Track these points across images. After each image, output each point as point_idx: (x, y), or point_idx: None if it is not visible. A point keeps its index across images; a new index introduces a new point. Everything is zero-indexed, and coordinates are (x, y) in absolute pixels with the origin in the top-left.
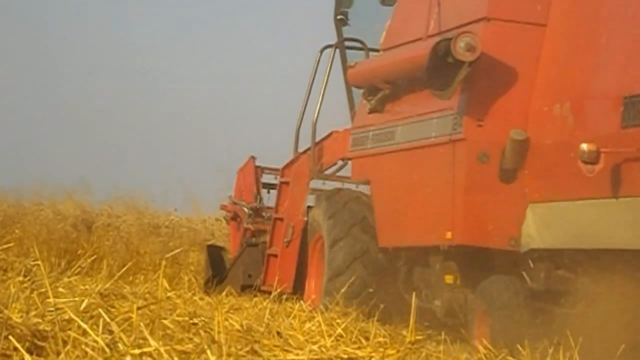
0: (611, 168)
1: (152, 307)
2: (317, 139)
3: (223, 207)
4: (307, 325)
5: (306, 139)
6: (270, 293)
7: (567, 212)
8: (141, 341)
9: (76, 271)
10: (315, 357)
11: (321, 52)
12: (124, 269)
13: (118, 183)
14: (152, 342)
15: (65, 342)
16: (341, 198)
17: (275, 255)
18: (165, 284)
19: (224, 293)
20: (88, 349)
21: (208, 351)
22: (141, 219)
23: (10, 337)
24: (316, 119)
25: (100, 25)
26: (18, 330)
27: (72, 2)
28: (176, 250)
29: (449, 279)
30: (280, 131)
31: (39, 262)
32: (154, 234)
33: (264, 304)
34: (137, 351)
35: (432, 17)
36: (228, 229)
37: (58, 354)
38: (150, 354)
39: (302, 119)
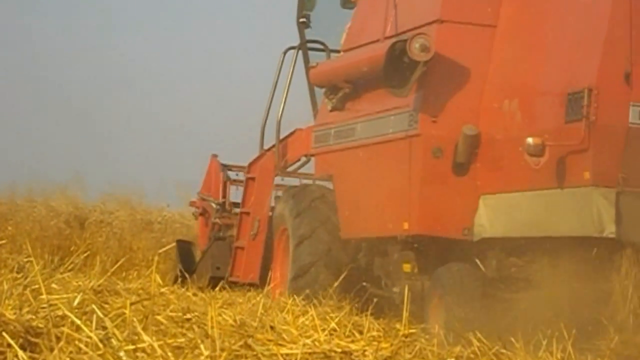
0: (556, 160)
1: (145, 302)
2: (282, 136)
3: (192, 204)
4: (301, 319)
5: (271, 137)
6: (236, 283)
7: (516, 203)
8: (135, 337)
9: (69, 267)
10: (309, 351)
11: (284, 53)
12: (117, 265)
13: (111, 179)
14: (146, 338)
15: (58, 338)
16: (301, 184)
17: (242, 248)
18: (159, 280)
19: (217, 288)
20: (81, 345)
21: (202, 346)
22: (134, 215)
23: (4, 334)
24: (280, 117)
25: (91, 22)
26: (11, 327)
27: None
28: (169, 246)
29: (406, 267)
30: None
31: (32, 258)
32: (146, 230)
33: (258, 298)
34: (130, 347)
35: (389, 19)
36: (196, 224)
37: (52, 350)
38: (143, 350)
39: (267, 117)
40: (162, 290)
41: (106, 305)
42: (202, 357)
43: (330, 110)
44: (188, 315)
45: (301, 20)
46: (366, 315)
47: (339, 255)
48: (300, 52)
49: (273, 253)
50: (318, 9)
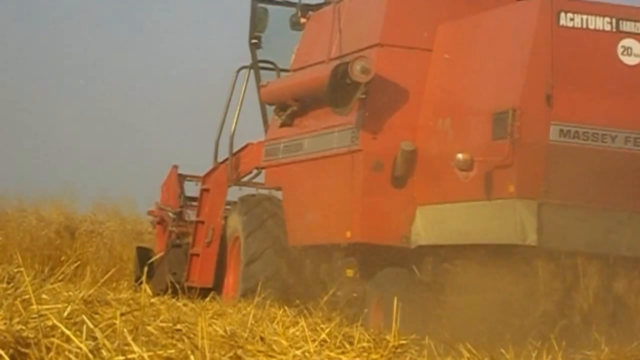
0: (483, 174)
1: (135, 313)
2: (234, 150)
3: (150, 213)
4: (291, 330)
5: (225, 150)
6: (194, 288)
7: (448, 213)
8: (125, 347)
9: (59, 278)
10: None
11: (238, 72)
12: (108, 275)
13: (102, 190)
14: (136, 348)
15: (48, 349)
16: (255, 198)
17: (198, 255)
18: (149, 290)
19: (207, 299)
20: (71, 356)
21: (192, 357)
22: (124, 225)
23: None
24: (233, 132)
25: (91, 25)
26: (1, 337)
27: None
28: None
29: (349, 272)
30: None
31: (22, 268)
32: (137, 240)
33: (248, 309)
34: (120, 357)
35: (334, 42)
36: (154, 232)
37: None
38: None
39: (220, 131)
40: (152, 300)
41: (96, 316)
42: None
43: (280, 126)
44: (178, 326)
45: (253, 41)
46: (356, 327)
47: (286, 275)
48: (252, 71)
49: (226, 259)
50: (269, 30)
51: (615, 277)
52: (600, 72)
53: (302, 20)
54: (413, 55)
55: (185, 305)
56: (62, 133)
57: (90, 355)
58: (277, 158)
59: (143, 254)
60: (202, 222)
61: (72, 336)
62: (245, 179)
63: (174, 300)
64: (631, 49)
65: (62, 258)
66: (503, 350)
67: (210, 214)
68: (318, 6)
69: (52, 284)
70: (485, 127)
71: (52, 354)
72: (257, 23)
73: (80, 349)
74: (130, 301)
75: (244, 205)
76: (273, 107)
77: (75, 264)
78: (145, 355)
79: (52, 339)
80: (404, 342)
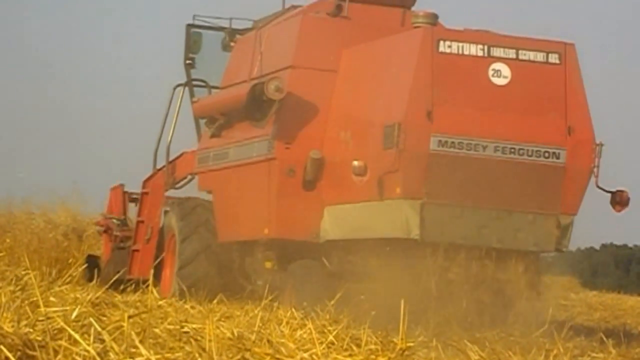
0: (376, 179)
1: (143, 315)
2: (171, 158)
3: (97, 223)
4: (299, 332)
5: (162, 158)
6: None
7: (349, 212)
8: (132, 350)
9: (67, 280)
10: None
11: (174, 89)
12: (115, 277)
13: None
14: (143, 351)
15: (56, 352)
16: (191, 203)
17: (138, 250)
18: (156, 293)
19: (215, 301)
20: (79, 358)
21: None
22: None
23: (2, 347)
24: (170, 142)
25: (97, 32)
26: (9, 340)
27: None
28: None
29: (268, 264)
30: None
31: (30, 271)
32: None
33: (255, 311)
34: None
35: (255, 64)
36: (101, 240)
37: None
38: None
39: (159, 141)
40: (160, 303)
41: (104, 318)
42: None
43: (210, 137)
44: (185, 329)
45: (187, 62)
46: (364, 329)
47: (217, 248)
48: (186, 88)
49: (164, 255)
50: (202, 52)
51: (487, 266)
52: (474, 91)
53: (231, 43)
54: (321, 76)
55: (192, 307)
56: (70, 135)
57: (98, 358)
58: (208, 165)
59: (92, 261)
60: (142, 222)
61: (79, 339)
62: (180, 184)
63: (181, 302)
64: (500, 71)
65: (70, 260)
66: (511, 353)
67: (149, 214)
68: (245, 31)
69: (59, 286)
70: (377, 138)
71: (59, 356)
72: (192, 45)
73: (88, 351)
74: (138, 303)
75: (180, 210)
76: (204, 120)
77: (83, 267)
78: (153, 357)
79: (60, 342)
80: (411, 344)
